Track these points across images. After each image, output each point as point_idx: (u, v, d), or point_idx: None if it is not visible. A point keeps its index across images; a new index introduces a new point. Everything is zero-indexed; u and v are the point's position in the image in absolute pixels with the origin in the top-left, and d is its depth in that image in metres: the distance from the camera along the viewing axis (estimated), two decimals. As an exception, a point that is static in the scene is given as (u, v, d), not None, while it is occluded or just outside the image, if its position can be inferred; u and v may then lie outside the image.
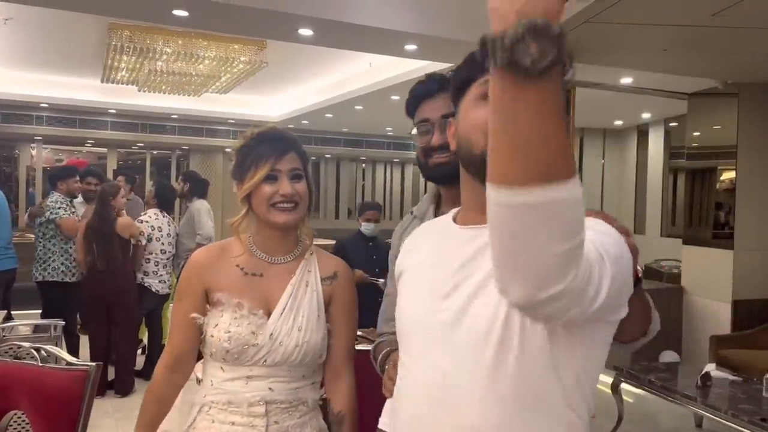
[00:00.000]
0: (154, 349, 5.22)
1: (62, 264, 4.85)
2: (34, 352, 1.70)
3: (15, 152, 11.59)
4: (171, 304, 5.67)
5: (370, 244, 4.33)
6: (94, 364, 1.60)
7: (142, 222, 4.87)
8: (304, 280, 1.49)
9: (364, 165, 13.98)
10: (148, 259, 4.89)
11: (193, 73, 6.72)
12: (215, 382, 1.44)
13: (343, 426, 1.48)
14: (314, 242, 1.58)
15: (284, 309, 1.44)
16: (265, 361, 1.41)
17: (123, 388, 4.61)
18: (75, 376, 1.58)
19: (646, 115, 8.27)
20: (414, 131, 1.55)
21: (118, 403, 4.52)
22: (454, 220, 1.11)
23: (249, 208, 1.48)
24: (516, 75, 0.64)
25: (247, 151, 1.47)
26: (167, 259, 5.02)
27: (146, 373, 5.09)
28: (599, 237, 0.84)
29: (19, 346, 1.82)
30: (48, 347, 1.74)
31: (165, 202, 5.16)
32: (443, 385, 0.98)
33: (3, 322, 3.64)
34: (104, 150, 11.95)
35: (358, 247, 4.27)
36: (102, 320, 4.57)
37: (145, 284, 4.87)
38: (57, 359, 1.75)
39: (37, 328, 3.74)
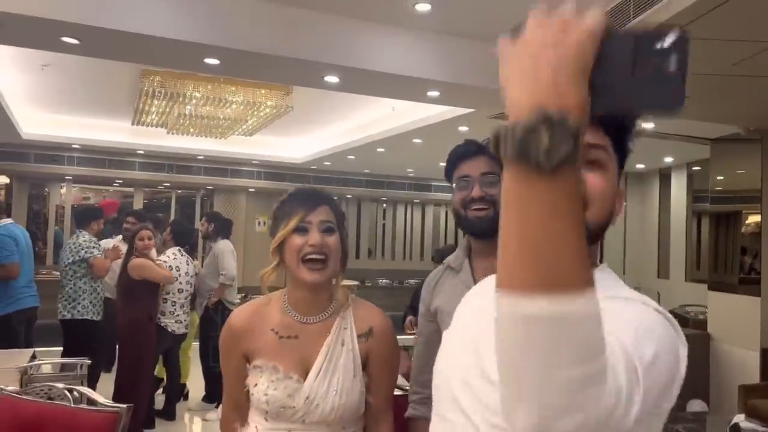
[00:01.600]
0: (174, 389, 5.23)
1: (90, 303, 4.94)
2: (67, 393, 1.74)
3: (45, 191, 11.88)
4: (192, 342, 5.71)
5: None
6: (125, 405, 1.63)
7: (160, 262, 4.86)
8: (339, 339, 1.49)
9: (384, 205, 14.07)
10: (165, 299, 4.86)
11: (221, 117, 6.89)
12: (260, 428, 1.48)
13: None
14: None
15: (320, 371, 1.45)
16: (304, 420, 1.44)
17: None
18: (107, 417, 1.62)
19: (668, 159, 8.26)
20: (454, 187, 1.66)
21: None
22: None
23: (280, 260, 1.50)
24: (527, 169, 0.60)
25: (281, 206, 1.52)
26: (185, 298, 5.02)
27: (167, 413, 5.10)
28: (631, 333, 0.76)
29: (51, 387, 1.86)
30: (80, 389, 1.78)
31: (182, 240, 5.18)
32: None
33: (29, 362, 3.70)
34: (131, 189, 12.20)
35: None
36: (127, 364, 4.53)
37: (161, 324, 4.83)
38: (89, 400, 1.79)
39: (63, 367, 3.79)
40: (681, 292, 7.70)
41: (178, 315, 4.96)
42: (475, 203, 1.58)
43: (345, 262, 1.54)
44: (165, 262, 4.90)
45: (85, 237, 5.03)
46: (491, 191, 1.58)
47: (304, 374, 1.45)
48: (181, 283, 4.96)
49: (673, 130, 5.79)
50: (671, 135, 5.97)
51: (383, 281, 12.52)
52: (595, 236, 0.94)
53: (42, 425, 1.69)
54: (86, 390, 1.80)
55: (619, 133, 0.97)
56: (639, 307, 0.87)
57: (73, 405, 1.71)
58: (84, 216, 5.24)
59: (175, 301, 4.93)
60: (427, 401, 1.12)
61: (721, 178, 5.93)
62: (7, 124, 7.69)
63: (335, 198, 1.57)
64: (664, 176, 8.84)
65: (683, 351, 0.86)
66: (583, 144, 0.61)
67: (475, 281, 1.56)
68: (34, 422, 1.70)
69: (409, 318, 5.16)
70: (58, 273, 5.23)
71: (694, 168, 8.11)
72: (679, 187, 8.47)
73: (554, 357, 0.59)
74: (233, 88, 6.06)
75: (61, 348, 4.97)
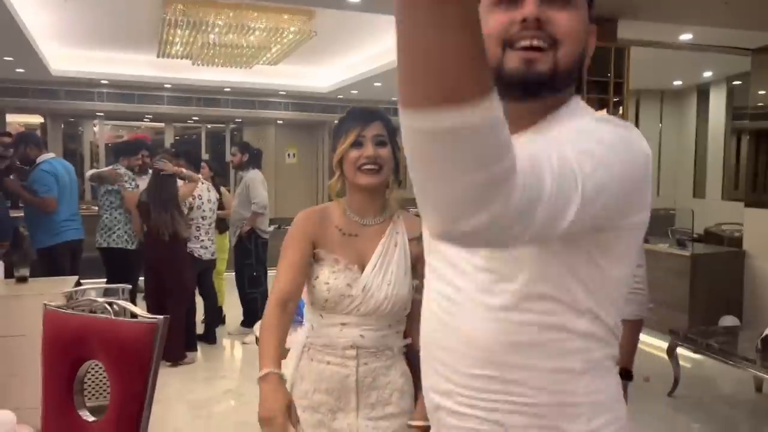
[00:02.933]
0: (212, 314, 5.42)
1: (125, 232, 5.09)
2: (108, 307, 1.82)
3: (79, 129, 12.08)
4: (224, 267, 5.86)
5: None
6: (162, 317, 1.70)
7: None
8: (393, 240, 1.67)
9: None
10: (190, 225, 4.92)
11: (245, 45, 6.82)
12: (315, 326, 1.66)
13: None
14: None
15: (375, 265, 1.63)
16: (358, 310, 1.61)
17: (173, 356, 4.68)
18: (145, 327, 1.69)
19: (707, 74, 7.95)
20: None
21: (177, 368, 4.71)
22: None
23: (341, 172, 1.67)
24: None
25: (339, 126, 1.70)
26: (209, 225, 5.10)
27: (208, 337, 5.32)
28: (581, 147, 0.79)
29: (94, 301, 1.95)
30: (120, 302, 1.86)
31: (199, 170, 5.19)
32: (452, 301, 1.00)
33: (74, 287, 3.85)
34: (161, 125, 12.32)
35: None
36: (156, 289, 4.72)
37: (188, 250, 4.92)
38: (129, 313, 1.86)
39: (106, 292, 3.94)
40: (716, 211, 7.56)
41: (203, 240, 5.05)
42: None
43: (398, 171, 1.69)
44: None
45: (120, 170, 5.15)
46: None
47: (362, 268, 1.63)
48: (204, 210, 5.02)
49: (713, 40, 5.53)
50: (710, 46, 5.71)
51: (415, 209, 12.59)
52: (567, 76, 0.94)
53: (85, 336, 1.77)
54: (126, 304, 1.88)
55: None
56: (590, 124, 0.89)
57: (113, 317, 1.78)
58: (119, 150, 5.41)
59: (199, 226, 5.01)
60: None
61: (763, 92, 5.69)
62: (36, 60, 7.75)
63: (384, 113, 1.70)
64: (703, 92, 8.53)
65: (647, 158, 0.89)
66: None
67: None
68: (78, 333, 1.79)
69: None
70: (96, 207, 5.39)
71: (734, 83, 7.78)
72: (718, 103, 8.17)
73: (455, 165, 0.61)
74: (255, 14, 5.96)
75: (105, 279, 5.17)
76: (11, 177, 4.94)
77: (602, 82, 4.84)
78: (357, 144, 1.63)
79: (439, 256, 1.04)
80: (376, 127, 1.65)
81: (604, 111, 4.96)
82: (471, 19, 0.58)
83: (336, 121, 1.74)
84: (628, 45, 4.83)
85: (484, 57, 0.60)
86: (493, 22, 0.93)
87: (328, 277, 1.62)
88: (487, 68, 0.62)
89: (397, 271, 1.64)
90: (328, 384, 1.62)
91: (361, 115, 1.68)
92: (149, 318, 1.73)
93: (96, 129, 12.08)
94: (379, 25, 6.77)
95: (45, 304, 1.87)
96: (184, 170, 4.73)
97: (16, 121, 11.05)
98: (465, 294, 0.97)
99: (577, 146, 0.78)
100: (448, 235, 0.68)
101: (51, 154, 4.99)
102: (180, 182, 4.85)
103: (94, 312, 1.89)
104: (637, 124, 8.93)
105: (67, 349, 1.80)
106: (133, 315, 1.84)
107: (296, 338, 1.76)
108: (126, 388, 1.72)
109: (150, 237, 4.66)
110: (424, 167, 0.63)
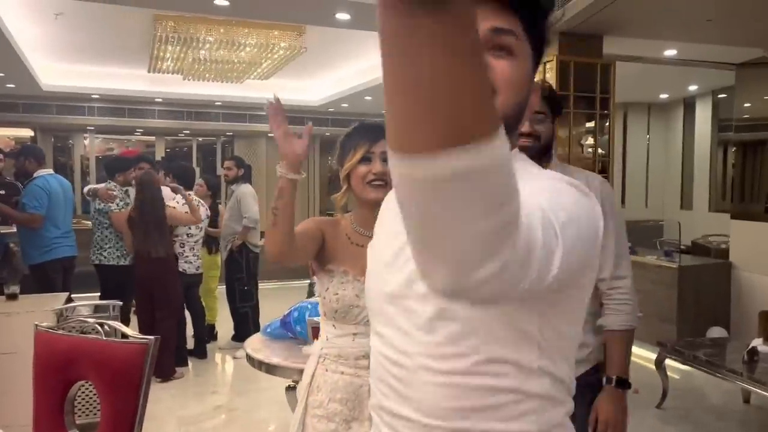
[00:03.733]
0: (200, 329, 5.42)
1: (117, 249, 5.08)
2: (99, 327, 1.84)
3: (69, 143, 12.05)
4: (217, 284, 5.85)
5: None
6: (152, 337, 1.72)
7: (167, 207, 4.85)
8: None
9: (405, 146, 14.00)
10: (174, 241, 4.95)
11: (235, 61, 6.86)
12: (329, 337, 1.71)
13: None
14: None
15: None
16: (368, 321, 1.60)
17: (162, 372, 4.67)
18: (136, 348, 1.71)
19: (692, 88, 8.05)
20: None
21: (168, 384, 4.69)
22: None
23: (348, 186, 1.74)
24: (411, 3, 0.47)
25: (347, 140, 1.75)
26: (194, 242, 5.10)
27: (198, 352, 5.31)
28: (547, 197, 0.75)
29: (84, 321, 1.96)
30: (110, 323, 1.87)
31: (187, 185, 5.16)
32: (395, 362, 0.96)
33: (65, 304, 3.85)
34: (152, 138, 12.31)
35: None
36: (147, 304, 4.72)
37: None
38: (118, 333, 1.88)
39: (97, 309, 3.94)
40: (704, 222, 7.64)
41: (187, 256, 5.05)
42: (523, 137, 1.77)
43: None
44: (174, 207, 4.90)
45: (114, 191, 5.07)
46: (539, 127, 1.82)
47: None
48: (190, 228, 5.03)
49: (697, 56, 5.62)
50: (695, 61, 5.81)
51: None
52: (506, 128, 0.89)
53: (76, 358, 1.79)
54: (116, 324, 1.89)
55: (532, 15, 0.88)
56: (555, 183, 0.86)
57: (104, 338, 1.80)
58: (112, 168, 5.32)
59: (184, 243, 5.01)
60: None
61: (748, 105, 5.78)
62: (27, 75, 7.75)
63: None
64: (689, 105, 8.64)
65: (601, 223, 0.84)
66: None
67: None
68: (69, 355, 1.80)
69: None
70: (89, 222, 5.36)
71: (719, 96, 7.89)
72: (703, 116, 8.27)
73: (466, 212, 0.53)
74: (246, 30, 6.01)
75: (99, 294, 5.16)
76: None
77: (589, 98, 4.91)
78: (365, 160, 1.69)
79: (385, 320, 0.99)
80: (384, 144, 1.69)
81: (593, 123, 5.03)
82: (479, 39, 0.51)
83: (327, 133, 1.78)
84: (613, 60, 4.91)
85: (490, 84, 0.54)
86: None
87: (338, 288, 1.68)
88: (494, 97, 0.56)
89: None
90: (342, 394, 1.66)
91: (370, 131, 1.73)
92: (140, 339, 1.75)
93: (86, 143, 12.06)
94: (368, 40, 6.84)
95: (36, 325, 1.88)
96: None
97: (5, 134, 11.02)
98: (414, 360, 0.92)
99: (549, 200, 0.75)
100: (457, 288, 0.59)
101: (49, 170, 4.97)
102: (172, 203, 4.87)
103: (85, 332, 1.91)
104: (625, 137, 9.06)
105: (58, 370, 1.81)
106: (124, 335, 1.86)
107: (312, 350, 1.82)
108: (117, 408, 1.74)
109: (139, 254, 4.68)
110: (426, 219, 0.54)
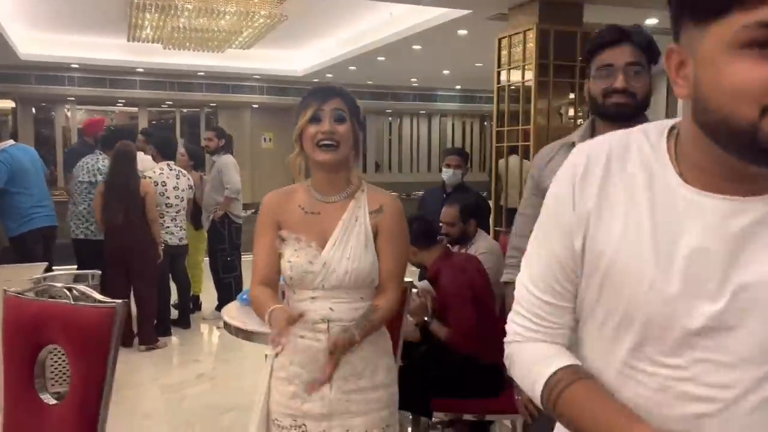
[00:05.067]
0: (185, 300, 5.44)
1: None
2: (67, 292, 1.85)
3: (51, 114, 11.90)
4: (203, 256, 5.85)
5: (444, 196, 3.95)
6: (120, 301, 1.73)
7: (145, 177, 4.79)
8: (354, 215, 1.71)
9: (390, 118, 13.95)
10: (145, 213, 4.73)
11: (215, 29, 6.77)
12: (290, 302, 1.73)
13: (375, 314, 1.68)
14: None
15: (336, 241, 1.68)
16: (323, 285, 1.66)
17: (147, 339, 4.70)
18: (104, 312, 1.72)
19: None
20: (592, 73, 1.73)
21: (151, 353, 4.71)
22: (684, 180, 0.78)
23: (300, 149, 1.72)
24: None
25: (301, 101, 1.72)
26: (175, 212, 5.02)
27: (182, 322, 5.34)
28: None
29: (53, 286, 1.97)
30: (79, 287, 1.88)
31: (167, 155, 5.11)
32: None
33: (44, 273, 3.85)
34: (135, 109, 12.18)
35: (434, 198, 4.05)
36: (122, 276, 4.64)
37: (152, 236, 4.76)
38: (88, 298, 1.89)
39: (76, 278, 3.94)
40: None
41: (168, 227, 4.97)
42: (617, 94, 1.65)
43: (358, 148, 1.74)
44: (150, 177, 4.85)
45: (105, 162, 4.93)
46: (635, 83, 1.66)
47: (323, 244, 1.68)
48: (168, 198, 4.94)
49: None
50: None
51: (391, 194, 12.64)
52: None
53: (44, 321, 1.80)
54: (86, 288, 1.90)
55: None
56: None
57: (72, 302, 1.81)
58: (109, 140, 5.06)
59: (163, 213, 4.92)
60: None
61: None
62: (2, 43, 7.61)
63: (346, 91, 1.74)
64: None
65: None
66: None
67: None
68: (37, 318, 1.81)
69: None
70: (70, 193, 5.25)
71: (702, 66, 7.90)
72: (687, 86, 8.29)
73: None
74: (225, -2, 5.92)
75: (76, 267, 5.11)
76: None
77: (569, 66, 4.91)
78: (315, 119, 1.66)
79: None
80: (335, 102, 1.68)
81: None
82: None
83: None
84: (593, 29, 4.89)
85: None
86: (748, 72, 0.67)
87: (291, 256, 1.67)
88: None
89: (356, 245, 1.68)
90: (301, 357, 1.66)
91: (321, 91, 1.71)
92: (108, 302, 1.77)
93: (68, 114, 11.91)
94: (351, 8, 6.77)
95: (5, 290, 1.89)
96: None
97: (-15, 106, 10.87)
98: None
99: None
100: None
101: (10, 142, 4.85)
102: (150, 172, 4.82)
103: (54, 297, 1.92)
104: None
105: (27, 333, 1.82)
106: (94, 301, 1.87)
107: None
108: (86, 371, 1.75)
109: (111, 224, 4.56)
110: None
